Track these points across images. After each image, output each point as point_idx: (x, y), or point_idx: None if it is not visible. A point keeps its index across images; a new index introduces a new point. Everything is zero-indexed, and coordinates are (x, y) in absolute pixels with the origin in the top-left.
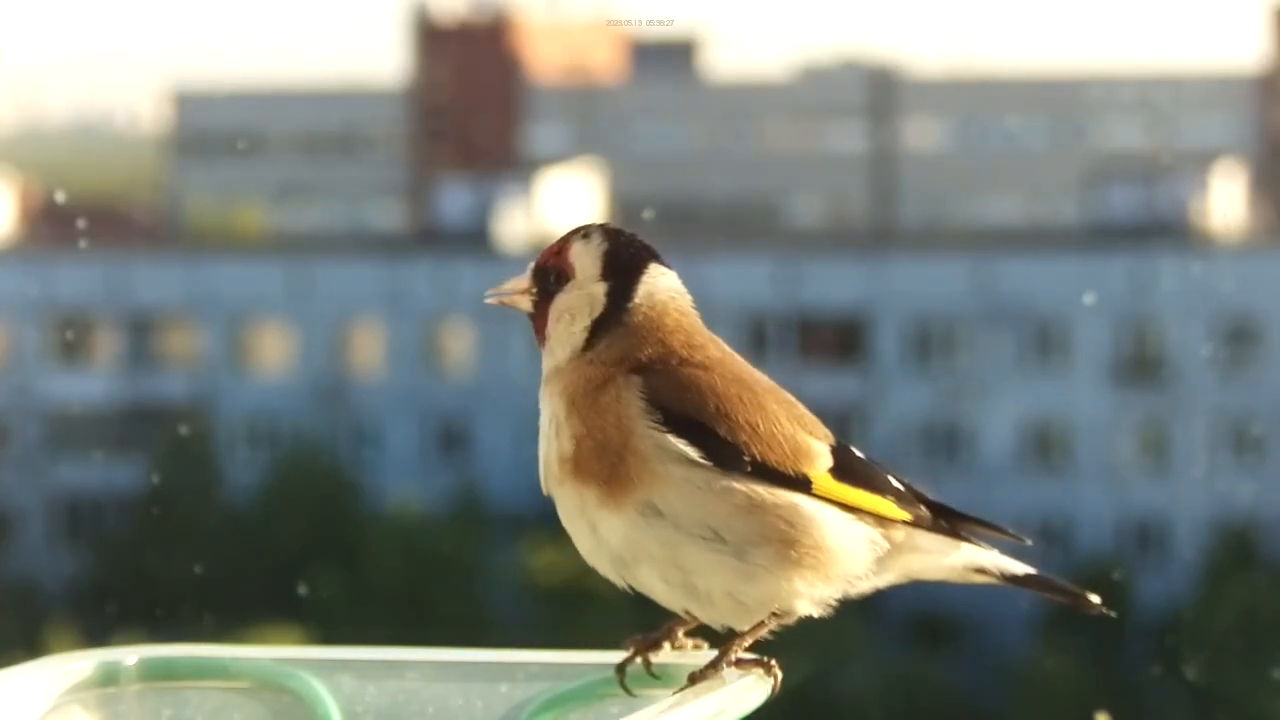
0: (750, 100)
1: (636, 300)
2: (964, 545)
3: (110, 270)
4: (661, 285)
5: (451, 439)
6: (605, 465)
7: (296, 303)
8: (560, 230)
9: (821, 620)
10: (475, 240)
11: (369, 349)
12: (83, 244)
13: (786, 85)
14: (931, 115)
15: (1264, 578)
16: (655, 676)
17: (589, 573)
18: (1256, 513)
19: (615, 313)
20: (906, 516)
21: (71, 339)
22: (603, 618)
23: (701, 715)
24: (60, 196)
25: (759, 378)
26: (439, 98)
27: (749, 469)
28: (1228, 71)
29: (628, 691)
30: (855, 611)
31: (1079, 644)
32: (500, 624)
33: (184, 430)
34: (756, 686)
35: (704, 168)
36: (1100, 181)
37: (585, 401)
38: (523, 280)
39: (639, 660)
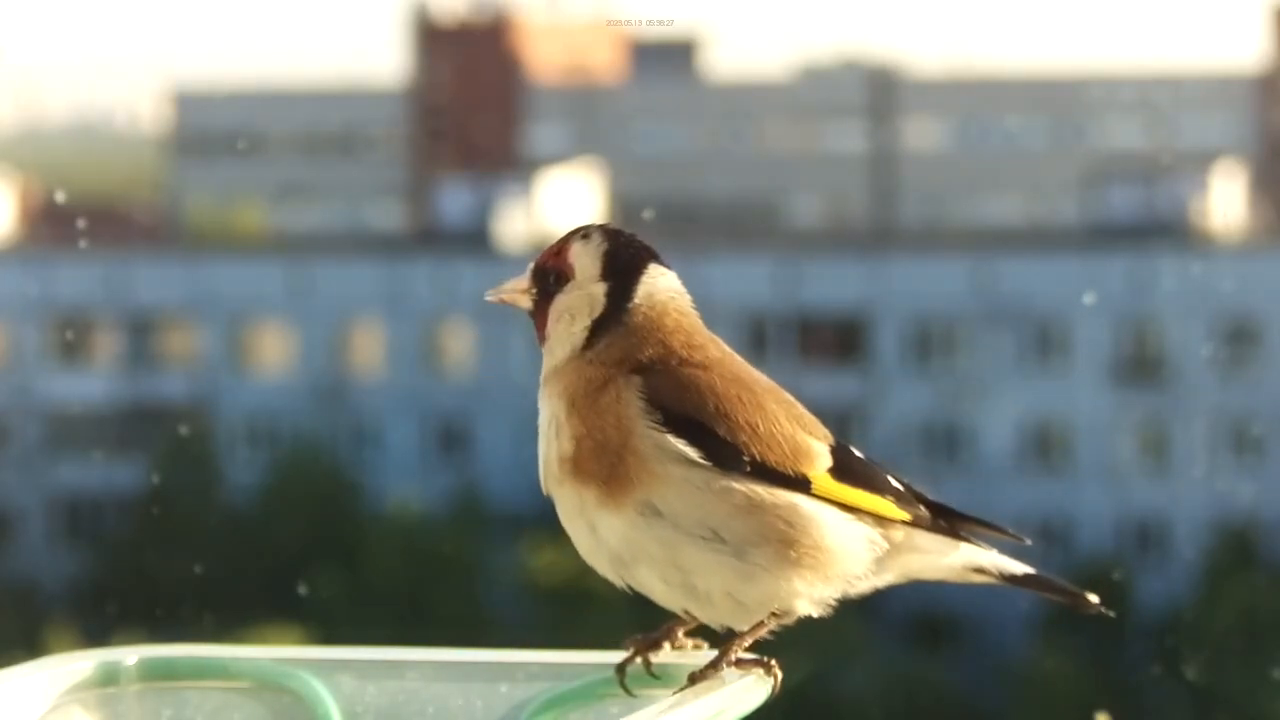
0: (750, 100)
1: (636, 301)
2: (963, 545)
3: (110, 270)
4: (661, 286)
5: (451, 439)
6: (605, 465)
7: (296, 303)
8: (560, 230)
9: (821, 620)
10: (475, 240)
11: (369, 349)
12: (83, 244)
13: (786, 85)
14: (931, 115)
15: (1264, 578)
16: (655, 676)
17: (589, 573)
18: (1256, 513)
19: (615, 313)
20: (906, 516)
21: (71, 339)
22: (603, 618)
23: (701, 715)
24: (60, 196)
25: (759, 378)
26: (439, 98)
27: (748, 469)
28: (1228, 71)
29: (628, 691)
30: (855, 611)
31: (1079, 644)
32: (500, 624)
33: (184, 430)
34: (756, 686)
35: (704, 168)
36: (1100, 181)
37: (585, 402)
38: (522, 280)
39: (639, 660)
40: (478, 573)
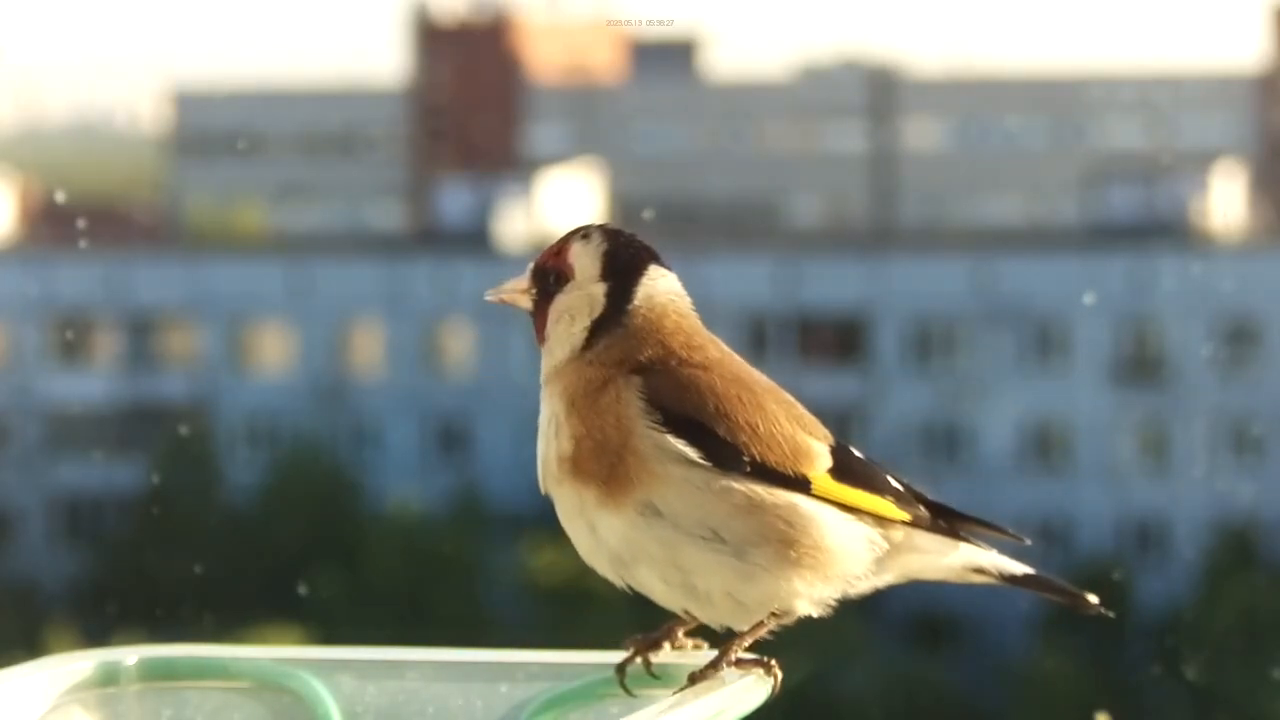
0: (750, 100)
1: (636, 301)
2: (963, 545)
3: (110, 270)
4: (661, 286)
5: (451, 439)
6: (604, 465)
7: (296, 303)
8: (560, 230)
9: (821, 620)
10: (475, 240)
11: (369, 349)
12: (83, 244)
13: (786, 85)
14: (931, 115)
15: (1264, 578)
16: (655, 676)
17: (589, 573)
18: (1256, 513)
19: (615, 314)
20: (905, 516)
21: (71, 339)
22: (603, 618)
23: (701, 715)
24: (60, 196)
25: (758, 378)
26: (439, 98)
27: (748, 469)
28: (1228, 71)
29: (628, 691)
30: (855, 611)
31: (1079, 644)
32: (500, 624)
33: (184, 430)
34: (756, 686)
35: (704, 168)
36: (1100, 181)
37: (585, 402)
38: (522, 281)
39: (639, 660)
40: (478, 573)
